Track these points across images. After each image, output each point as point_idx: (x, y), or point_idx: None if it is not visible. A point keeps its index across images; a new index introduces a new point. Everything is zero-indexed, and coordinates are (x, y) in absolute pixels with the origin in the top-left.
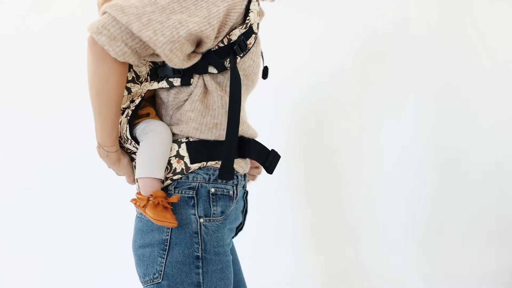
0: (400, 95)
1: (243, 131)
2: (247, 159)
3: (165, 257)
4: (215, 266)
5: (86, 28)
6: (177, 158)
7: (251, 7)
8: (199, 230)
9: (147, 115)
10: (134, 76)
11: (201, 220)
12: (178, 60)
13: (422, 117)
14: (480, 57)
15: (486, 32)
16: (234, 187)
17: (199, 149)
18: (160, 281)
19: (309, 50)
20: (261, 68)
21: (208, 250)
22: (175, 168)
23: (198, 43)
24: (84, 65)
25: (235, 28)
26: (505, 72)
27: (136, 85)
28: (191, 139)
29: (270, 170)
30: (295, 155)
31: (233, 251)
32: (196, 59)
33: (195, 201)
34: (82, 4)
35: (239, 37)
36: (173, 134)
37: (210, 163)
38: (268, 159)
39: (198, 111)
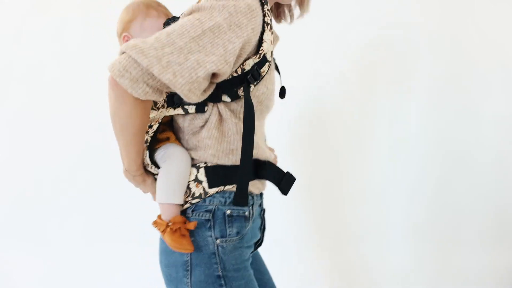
0: (403, 96)
1: (258, 154)
2: (266, 179)
3: (189, 278)
4: (238, 281)
5: (107, 69)
6: (196, 183)
7: (264, 37)
8: (216, 251)
9: (167, 139)
10: (152, 102)
11: (218, 241)
12: (196, 97)
13: (425, 118)
14: (482, 56)
15: (487, 32)
16: (250, 208)
17: (217, 174)
18: None
19: (311, 52)
20: (277, 88)
21: (228, 269)
22: (194, 193)
23: (213, 74)
24: (84, 65)
25: (249, 58)
26: (507, 70)
27: (154, 111)
28: (209, 164)
29: (284, 192)
30: (297, 156)
31: (261, 262)
32: (210, 90)
33: (212, 224)
34: (82, 4)
35: (252, 66)
36: (192, 159)
37: (226, 187)
38: (283, 181)
39: (215, 138)
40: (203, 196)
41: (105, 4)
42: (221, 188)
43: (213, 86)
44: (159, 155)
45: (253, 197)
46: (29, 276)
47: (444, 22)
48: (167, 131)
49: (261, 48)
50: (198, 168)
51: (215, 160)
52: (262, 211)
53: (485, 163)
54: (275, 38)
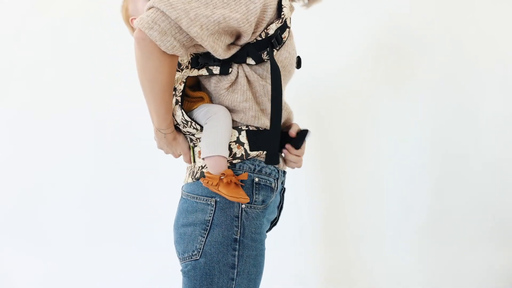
0: (404, 96)
1: (284, 118)
2: (282, 154)
3: (205, 237)
4: (251, 251)
5: (135, 24)
6: (237, 144)
7: (283, 3)
8: (240, 214)
9: (201, 99)
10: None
11: (243, 205)
12: (221, 50)
13: (425, 118)
14: (482, 55)
15: (488, 32)
16: (276, 180)
17: (258, 138)
18: (198, 258)
19: (310, 49)
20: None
21: (246, 235)
22: (235, 153)
23: (238, 36)
24: (84, 65)
25: (272, 22)
26: (507, 71)
27: (178, 72)
28: (250, 128)
29: (297, 145)
30: None
31: None
32: (234, 50)
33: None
34: (82, 4)
35: (275, 31)
36: (232, 121)
37: (255, 153)
38: (297, 138)
39: (252, 100)
40: (244, 157)
41: (105, 4)
42: (261, 152)
43: (237, 48)
44: (200, 113)
45: (278, 171)
46: (29, 276)
47: (444, 22)
48: (200, 91)
49: (282, 13)
50: (240, 130)
51: (256, 122)
52: (283, 189)
53: (485, 163)
54: (291, 7)
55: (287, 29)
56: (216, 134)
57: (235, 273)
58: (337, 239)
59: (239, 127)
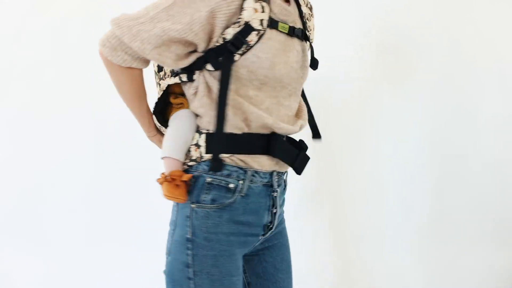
0: (402, 95)
1: (253, 128)
2: (274, 157)
3: (172, 236)
4: (206, 251)
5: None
6: (195, 147)
7: (244, 6)
8: (190, 214)
9: (181, 105)
10: (163, 73)
11: (193, 205)
12: (170, 61)
13: (424, 118)
14: (481, 55)
15: (486, 32)
16: (240, 182)
17: (215, 142)
18: (168, 256)
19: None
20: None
21: (197, 234)
22: (192, 156)
23: (190, 44)
24: (84, 65)
25: (228, 27)
26: (506, 70)
27: (163, 81)
28: (210, 131)
29: (297, 171)
30: None
31: (281, 257)
32: (193, 57)
33: (192, 188)
34: (82, 4)
35: (233, 35)
36: (197, 125)
37: (209, 156)
38: (297, 160)
39: (207, 106)
40: (198, 160)
41: (105, 4)
42: (209, 156)
43: (194, 55)
44: (171, 118)
45: (246, 171)
46: (29, 276)
47: (442, 22)
48: (181, 97)
49: (239, 17)
50: (200, 133)
51: (211, 127)
52: (272, 191)
53: (485, 163)
54: (287, 10)
55: (254, 32)
56: (172, 137)
57: (191, 272)
58: (337, 239)
59: (200, 131)
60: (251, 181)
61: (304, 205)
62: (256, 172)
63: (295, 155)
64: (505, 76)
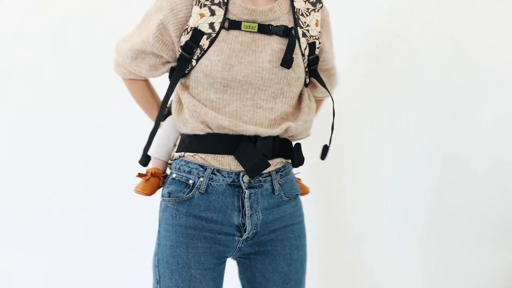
0: (402, 95)
1: (233, 129)
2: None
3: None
4: (165, 241)
5: None
6: (175, 147)
7: (192, 13)
8: (159, 207)
9: None
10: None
11: (160, 199)
12: (145, 71)
13: (425, 118)
14: (482, 56)
15: (488, 32)
16: (200, 179)
17: (183, 142)
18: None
19: None
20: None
21: (160, 225)
22: (173, 155)
23: (159, 56)
24: (84, 65)
25: (182, 35)
26: (507, 70)
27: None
28: (184, 133)
29: (249, 173)
30: None
31: (259, 270)
32: (166, 67)
33: (164, 183)
34: (82, 4)
35: (185, 42)
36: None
37: (184, 154)
38: (249, 163)
39: (175, 111)
40: (173, 158)
41: (105, 4)
42: (182, 154)
43: (168, 65)
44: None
45: (205, 169)
46: (29, 276)
47: (444, 22)
48: None
49: (187, 24)
50: (180, 135)
51: (181, 129)
52: (240, 192)
53: (485, 163)
54: (251, 10)
55: (205, 36)
56: (157, 138)
57: (156, 260)
58: (337, 239)
59: (181, 133)
60: (211, 179)
61: (304, 205)
62: (218, 170)
63: (255, 159)
64: (506, 76)
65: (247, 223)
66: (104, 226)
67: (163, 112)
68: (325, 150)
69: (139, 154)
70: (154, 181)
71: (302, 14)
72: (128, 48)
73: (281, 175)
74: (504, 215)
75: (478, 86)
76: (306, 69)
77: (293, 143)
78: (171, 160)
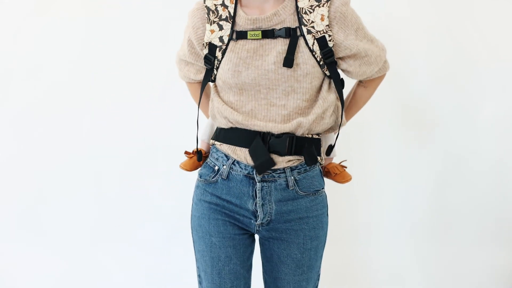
0: (403, 94)
1: (246, 124)
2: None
3: None
4: (195, 213)
5: None
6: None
7: (206, 29)
8: (195, 183)
9: None
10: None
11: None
12: (193, 75)
13: (425, 117)
14: (481, 56)
15: (486, 31)
16: (224, 166)
17: (216, 131)
18: None
19: None
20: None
21: (193, 199)
22: (210, 141)
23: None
24: (85, 65)
25: (203, 49)
26: (506, 70)
27: None
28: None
29: (257, 171)
30: None
31: (278, 251)
32: (200, 73)
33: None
34: (83, 4)
35: (205, 55)
36: None
37: (214, 142)
38: (257, 161)
39: (209, 109)
40: (210, 144)
41: (105, 4)
42: (214, 141)
43: (203, 71)
44: None
45: (228, 159)
46: (29, 275)
47: (443, 22)
48: None
49: (204, 40)
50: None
51: (213, 123)
52: (254, 182)
53: (485, 163)
54: (254, 19)
55: (217, 48)
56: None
57: (191, 227)
58: (336, 239)
59: None
60: (231, 168)
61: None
62: (237, 162)
63: (262, 158)
64: (506, 75)
65: (259, 211)
66: (104, 226)
67: (199, 105)
68: (329, 148)
69: (140, 155)
70: (195, 160)
71: (305, 12)
72: (179, 58)
73: (298, 172)
74: (503, 215)
75: (478, 85)
76: (322, 62)
77: (316, 137)
78: (210, 144)
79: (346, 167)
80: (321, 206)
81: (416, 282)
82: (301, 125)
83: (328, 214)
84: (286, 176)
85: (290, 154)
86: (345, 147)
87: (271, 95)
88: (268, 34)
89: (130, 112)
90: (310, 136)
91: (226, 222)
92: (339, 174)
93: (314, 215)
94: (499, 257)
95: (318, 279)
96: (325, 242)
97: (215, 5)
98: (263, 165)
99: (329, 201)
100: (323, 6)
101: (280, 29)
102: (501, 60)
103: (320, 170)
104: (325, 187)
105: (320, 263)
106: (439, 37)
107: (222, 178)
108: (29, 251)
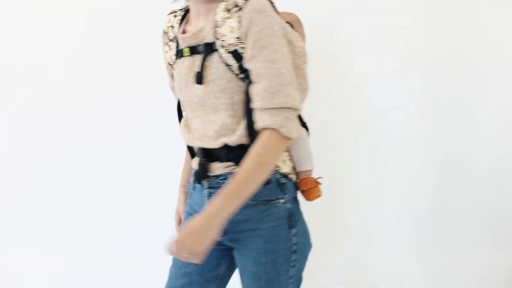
0: (399, 95)
1: (188, 142)
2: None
3: None
4: (184, 217)
5: None
6: None
7: (164, 50)
8: None
9: None
10: None
11: None
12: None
13: (424, 119)
14: (479, 56)
15: (485, 32)
16: (192, 178)
17: None
18: None
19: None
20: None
21: None
22: None
23: None
24: (86, 66)
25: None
26: (505, 71)
27: None
28: None
29: (196, 177)
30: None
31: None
32: None
33: None
34: (83, 4)
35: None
36: None
37: None
38: (198, 171)
39: None
40: None
41: (106, 5)
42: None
43: None
44: None
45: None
46: (29, 275)
47: (442, 22)
48: None
49: (166, 61)
50: None
51: None
52: (204, 192)
53: (485, 163)
54: (184, 38)
55: (170, 67)
56: None
57: None
58: (336, 239)
59: None
60: (193, 180)
61: (304, 205)
62: (195, 173)
63: (199, 167)
64: (504, 76)
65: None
66: (104, 226)
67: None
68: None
69: (141, 155)
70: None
71: (218, 26)
72: None
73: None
74: (503, 216)
75: (476, 86)
76: (242, 76)
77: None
78: None
79: (320, 184)
80: (275, 218)
81: (416, 282)
82: (228, 144)
83: (297, 226)
84: (210, 184)
85: (229, 161)
86: (343, 146)
87: (205, 111)
88: (195, 50)
89: (130, 111)
90: (247, 143)
91: None
92: (306, 191)
93: (267, 227)
94: (499, 257)
95: None
96: (290, 256)
97: (167, 27)
98: (200, 172)
99: (329, 201)
100: (233, 17)
101: (201, 45)
102: (499, 60)
103: (277, 180)
104: (288, 200)
105: (290, 277)
106: (437, 38)
107: (192, 189)
108: (29, 251)
